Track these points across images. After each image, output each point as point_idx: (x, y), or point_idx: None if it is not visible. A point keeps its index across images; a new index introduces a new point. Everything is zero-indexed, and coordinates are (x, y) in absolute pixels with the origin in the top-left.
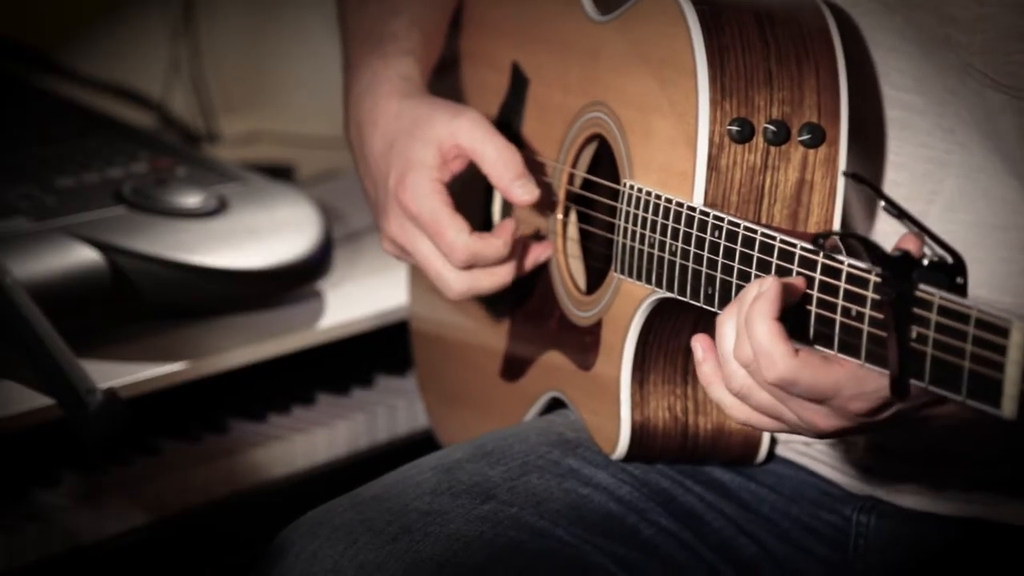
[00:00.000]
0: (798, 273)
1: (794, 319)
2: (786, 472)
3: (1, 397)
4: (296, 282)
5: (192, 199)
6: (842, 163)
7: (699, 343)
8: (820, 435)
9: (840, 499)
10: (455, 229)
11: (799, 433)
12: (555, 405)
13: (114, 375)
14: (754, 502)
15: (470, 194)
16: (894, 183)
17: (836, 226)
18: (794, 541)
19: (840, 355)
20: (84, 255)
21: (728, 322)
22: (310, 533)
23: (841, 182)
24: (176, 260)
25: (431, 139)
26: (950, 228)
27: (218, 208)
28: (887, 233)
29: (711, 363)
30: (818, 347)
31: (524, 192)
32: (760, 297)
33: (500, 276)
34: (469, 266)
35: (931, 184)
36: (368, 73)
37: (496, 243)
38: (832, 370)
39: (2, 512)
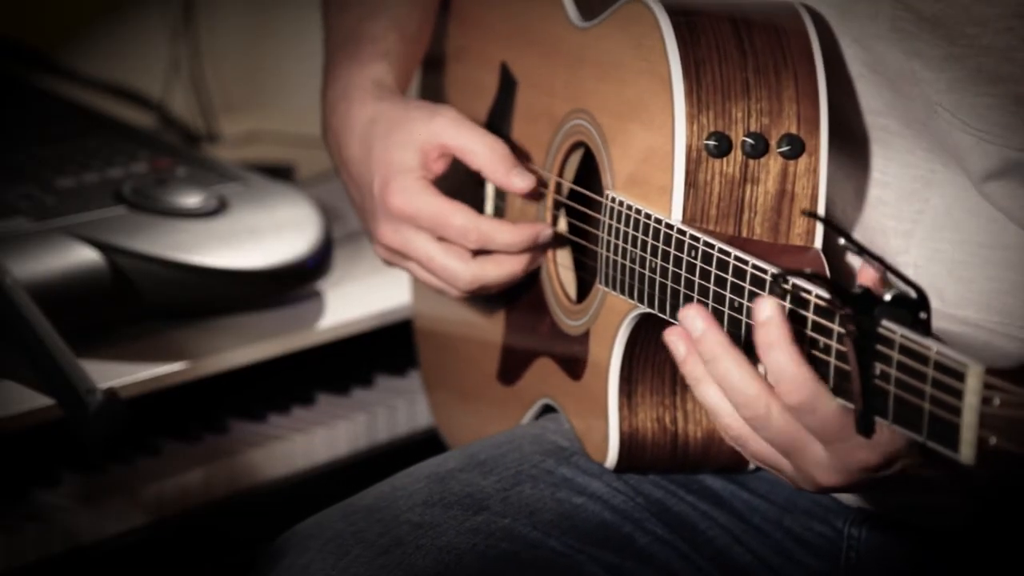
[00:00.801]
0: None
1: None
2: (779, 480)
3: (1, 397)
4: (296, 282)
5: (192, 199)
6: (823, 173)
7: (679, 340)
8: (817, 490)
9: (832, 510)
10: (462, 214)
11: (793, 484)
12: (550, 409)
13: (114, 375)
14: (747, 511)
15: (458, 194)
16: (880, 201)
17: (818, 238)
18: (786, 552)
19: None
20: (84, 255)
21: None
22: (301, 545)
23: (823, 192)
24: (176, 260)
25: (410, 142)
26: (937, 247)
27: (218, 208)
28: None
29: (696, 357)
30: None
31: (522, 181)
32: (769, 323)
33: (507, 266)
34: (479, 250)
35: (917, 203)
36: (343, 78)
37: (507, 228)
38: (848, 409)
39: (2, 512)
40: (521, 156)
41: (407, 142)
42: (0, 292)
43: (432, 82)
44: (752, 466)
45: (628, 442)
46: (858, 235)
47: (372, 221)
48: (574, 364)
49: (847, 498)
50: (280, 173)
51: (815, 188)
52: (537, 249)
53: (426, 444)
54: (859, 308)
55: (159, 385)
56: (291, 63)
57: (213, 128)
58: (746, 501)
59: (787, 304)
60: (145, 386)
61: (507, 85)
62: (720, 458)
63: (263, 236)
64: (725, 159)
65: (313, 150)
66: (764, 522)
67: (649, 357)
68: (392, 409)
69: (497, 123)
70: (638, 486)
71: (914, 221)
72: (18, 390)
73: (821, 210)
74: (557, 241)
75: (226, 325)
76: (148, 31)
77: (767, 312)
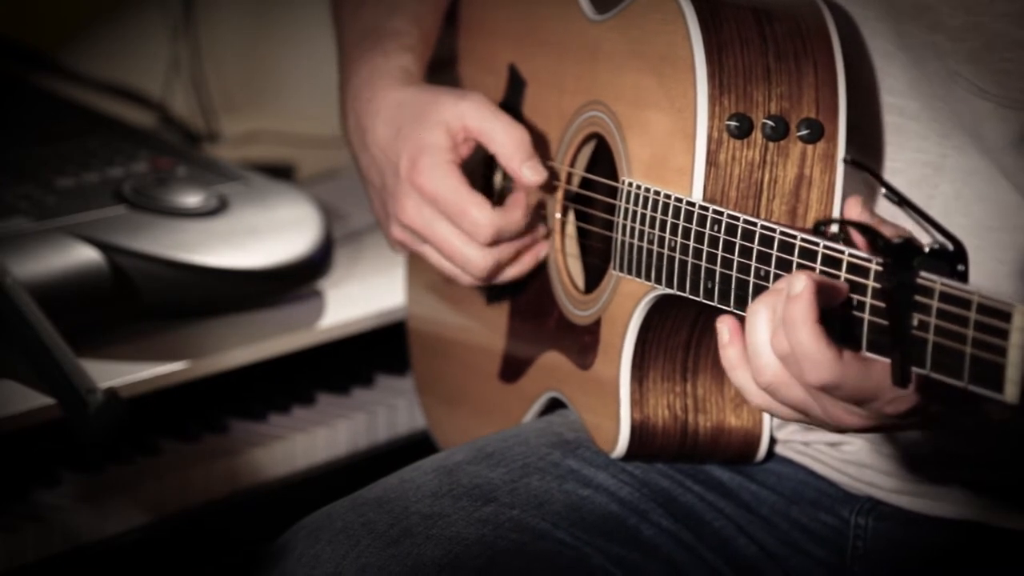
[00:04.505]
0: (799, 265)
1: None
2: (786, 471)
3: (1, 397)
4: (296, 281)
5: (192, 199)
6: (841, 158)
7: (725, 325)
8: (843, 431)
9: (839, 500)
10: (477, 206)
11: (821, 427)
12: (555, 405)
13: (114, 375)
14: (753, 502)
15: (471, 172)
16: None
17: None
18: (793, 542)
19: (876, 356)
20: (84, 255)
21: (762, 312)
22: (312, 536)
23: (840, 177)
24: (177, 260)
25: (439, 122)
26: None
27: (218, 208)
28: None
29: (737, 347)
30: None
31: (534, 174)
32: (797, 298)
33: (522, 261)
34: (494, 242)
35: (927, 189)
36: (368, 67)
37: (516, 214)
38: (873, 372)
39: (2, 512)
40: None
41: (436, 122)
42: (0, 292)
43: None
44: (759, 458)
45: (639, 428)
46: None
47: (392, 201)
48: (583, 354)
49: (854, 487)
50: (280, 173)
51: (832, 173)
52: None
53: (426, 444)
54: (898, 259)
55: (159, 385)
56: (291, 63)
57: (213, 128)
58: (753, 492)
59: (818, 266)
60: (145, 386)
61: (515, 85)
62: (729, 449)
63: (263, 236)
64: (746, 140)
65: (313, 150)
66: (771, 513)
67: (661, 342)
68: (392, 409)
69: None
70: (644, 477)
71: (924, 207)
72: (18, 390)
73: (838, 195)
74: (565, 233)
75: (226, 325)
76: (148, 31)
77: (798, 287)
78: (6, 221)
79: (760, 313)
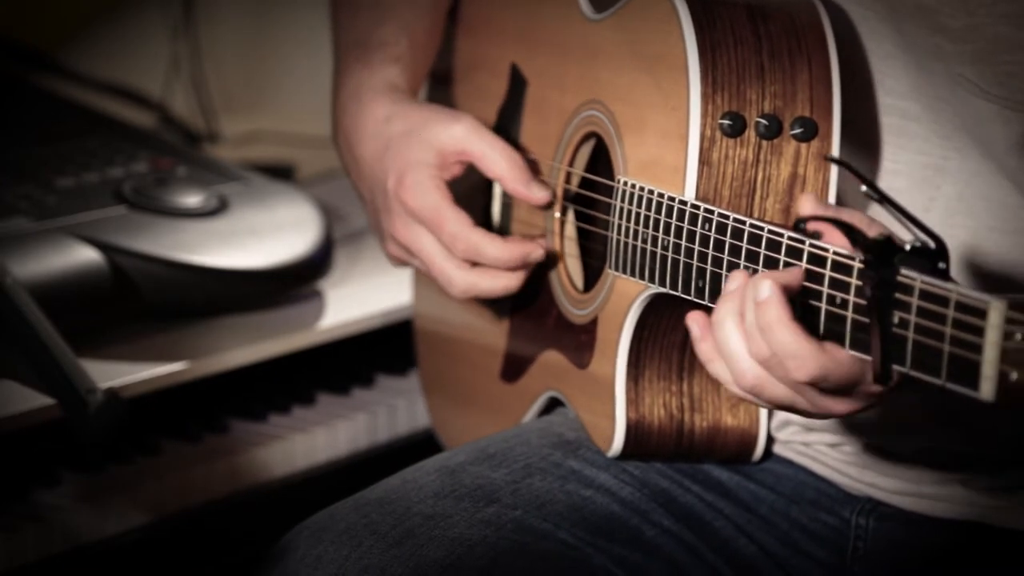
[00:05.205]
0: (785, 263)
1: None
2: (785, 472)
3: (1, 397)
4: (297, 282)
5: (193, 199)
6: (835, 156)
7: (695, 321)
8: (831, 417)
9: (839, 500)
10: (456, 221)
11: (806, 416)
12: (555, 404)
13: (114, 375)
14: (753, 502)
15: (469, 198)
16: (892, 190)
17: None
18: (793, 543)
19: (860, 354)
20: (84, 255)
21: (728, 320)
22: (314, 537)
23: (834, 176)
24: (177, 260)
25: (430, 141)
26: (949, 232)
27: (219, 208)
28: None
29: (709, 341)
30: None
31: (542, 192)
32: (767, 303)
33: (502, 280)
34: (470, 261)
35: (929, 190)
36: (353, 81)
37: (497, 243)
38: (858, 357)
39: (2, 512)
40: (530, 153)
41: (426, 141)
42: (0, 292)
43: (440, 89)
44: (756, 458)
45: (634, 427)
46: (867, 212)
47: (385, 217)
48: (581, 352)
49: (855, 487)
50: (280, 173)
51: (826, 171)
52: (529, 266)
53: (427, 444)
54: (879, 256)
55: (159, 385)
56: (291, 63)
57: (213, 128)
58: (753, 492)
59: (804, 264)
60: (145, 386)
61: (517, 85)
62: (726, 449)
63: (264, 236)
64: (739, 139)
65: (313, 150)
66: (771, 513)
67: (657, 341)
68: (392, 409)
69: (507, 123)
70: (645, 477)
71: (926, 208)
72: (18, 390)
73: (832, 194)
74: (565, 232)
75: (226, 325)
76: (148, 31)
77: (765, 292)
78: (6, 221)
79: (727, 321)
